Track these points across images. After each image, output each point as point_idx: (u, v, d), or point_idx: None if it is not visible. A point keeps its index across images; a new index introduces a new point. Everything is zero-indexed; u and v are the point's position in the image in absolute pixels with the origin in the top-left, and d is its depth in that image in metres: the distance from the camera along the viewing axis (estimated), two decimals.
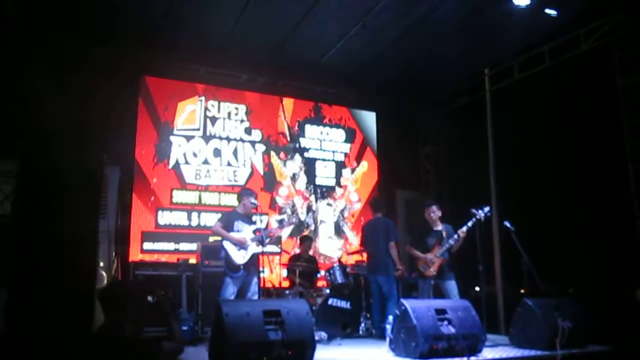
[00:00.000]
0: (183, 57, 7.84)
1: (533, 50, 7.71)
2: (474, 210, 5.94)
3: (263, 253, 5.77)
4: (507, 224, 6.06)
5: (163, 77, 8.03)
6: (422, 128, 9.72)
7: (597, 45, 7.01)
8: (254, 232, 5.82)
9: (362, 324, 6.87)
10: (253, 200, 5.93)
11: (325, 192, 8.96)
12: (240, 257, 5.66)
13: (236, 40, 7.39)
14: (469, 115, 8.45)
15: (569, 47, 7.31)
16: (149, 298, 5.00)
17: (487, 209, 5.95)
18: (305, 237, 7.75)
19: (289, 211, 8.52)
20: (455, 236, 5.96)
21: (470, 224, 5.92)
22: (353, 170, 9.27)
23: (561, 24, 7.08)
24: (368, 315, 6.94)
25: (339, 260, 7.56)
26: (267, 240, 5.93)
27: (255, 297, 5.71)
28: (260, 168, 8.49)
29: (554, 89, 7.50)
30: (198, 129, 8.18)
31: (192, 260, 7.10)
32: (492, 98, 8.21)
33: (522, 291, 5.92)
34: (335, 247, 8.76)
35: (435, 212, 6.26)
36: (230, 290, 5.56)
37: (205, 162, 8.12)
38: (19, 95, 6.06)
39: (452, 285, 6.02)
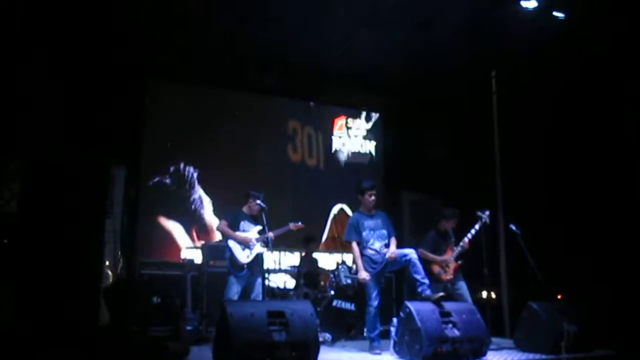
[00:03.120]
0: (188, 58, 7.89)
1: (540, 53, 7.67)
2: (479, 213, 5.89)
3: (268, 250, 5.78)
4: (513, 227, 6.05)
5: (168, 77, 8.06)
6: (428, 129, 9.68)
7: (605, 48, 6.97)
8: (259, 232, 5.83)
9: None
10: (259, 202, 5.93)
11: None
12: (244, 257, 5.67)
13: (240, 41, 7.41)
14: (475, 117, 8.42)
15: (577, 49, 7.27)
16: (154, 298, 5.00)
17: (487, 212, 5.89)
18: (309, 238, 7.73)
19: None
20: (466, 239, 5.90)
21: (477, 226, 5.86)
22: None
23: (569, 26, 7.05)
24: None
25: (344, 262, 7.55)
26: (272, 241, 5.92)
27: (259, 298, 5.71)
28: None
29: (561, 92, 7.46)
30: None
31: (197, 260, 7.12)
32: (498, 100, 8.17)
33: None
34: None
35: (454, 225, 6.17)
36: (234, 290, 5.57)
37: None
38: (25, 95, 6.10)
39: (464, 287, 5.97)
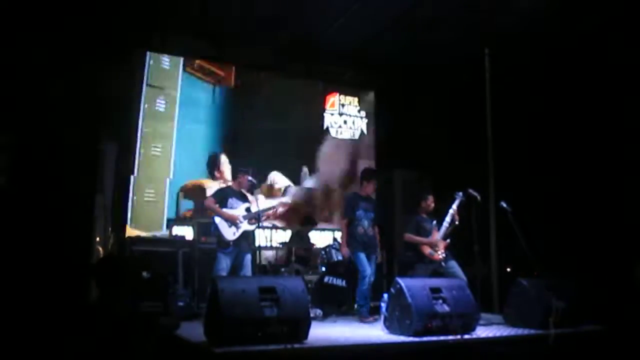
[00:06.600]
0: (183, 31, 7.77)
1: (535, 29, 7.59)
2: (455, 194, 6.17)
3: (258, 227, 5.77)
4: (504, 204, 6.09)
5: (163, 51, 7.95)
6: (422, 108, 9.63)
7: (599, 24, 6.91)
8: (247, 210, 5.80)
9: None
10: (250, 178, 5.91)
11: None
12: (230, 234, 5.65)
13: (234, 16, 7.29)
14: (468, 95, 8.38)
15: (571, 26, 7.20)
16: (144, 274, 5.00)
17: (461, 193, 6.15)
18: (308, 218, 7.71)
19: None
20: (447, 219, 6.07)
21: (454, 206, 6.09)
22: None
23: (565, 2, 6.97)
24: None
25: (335, 239, 7.57)
26: (264, 218, 5.92)
27: (249, 275, 5.71)
28: None
29: (555, 69, 7.43)
30: None
31: (189, 237, 7.12)
32: (491, 78, 8.13)
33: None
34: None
35: (431, 203, 6.39)
36: (223, 264, 5.57)
37: None
38: (15, 67, 5.98)
39: (456, 265, 6.09)
